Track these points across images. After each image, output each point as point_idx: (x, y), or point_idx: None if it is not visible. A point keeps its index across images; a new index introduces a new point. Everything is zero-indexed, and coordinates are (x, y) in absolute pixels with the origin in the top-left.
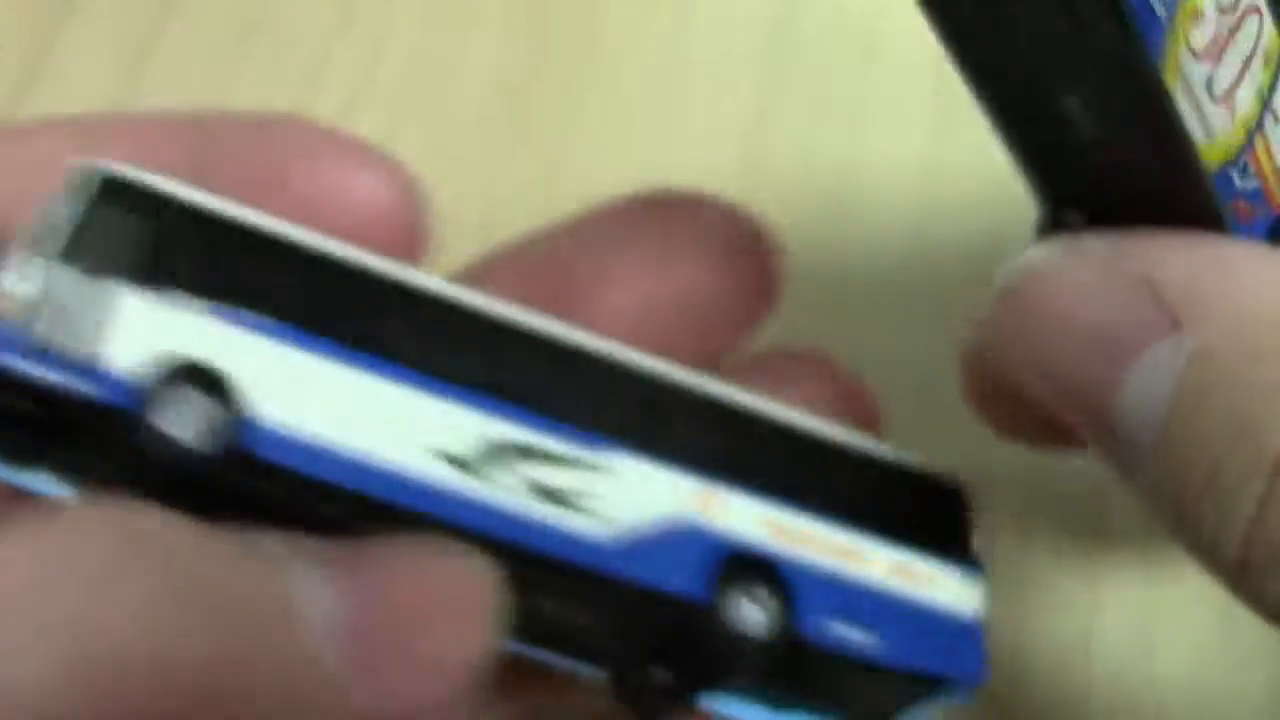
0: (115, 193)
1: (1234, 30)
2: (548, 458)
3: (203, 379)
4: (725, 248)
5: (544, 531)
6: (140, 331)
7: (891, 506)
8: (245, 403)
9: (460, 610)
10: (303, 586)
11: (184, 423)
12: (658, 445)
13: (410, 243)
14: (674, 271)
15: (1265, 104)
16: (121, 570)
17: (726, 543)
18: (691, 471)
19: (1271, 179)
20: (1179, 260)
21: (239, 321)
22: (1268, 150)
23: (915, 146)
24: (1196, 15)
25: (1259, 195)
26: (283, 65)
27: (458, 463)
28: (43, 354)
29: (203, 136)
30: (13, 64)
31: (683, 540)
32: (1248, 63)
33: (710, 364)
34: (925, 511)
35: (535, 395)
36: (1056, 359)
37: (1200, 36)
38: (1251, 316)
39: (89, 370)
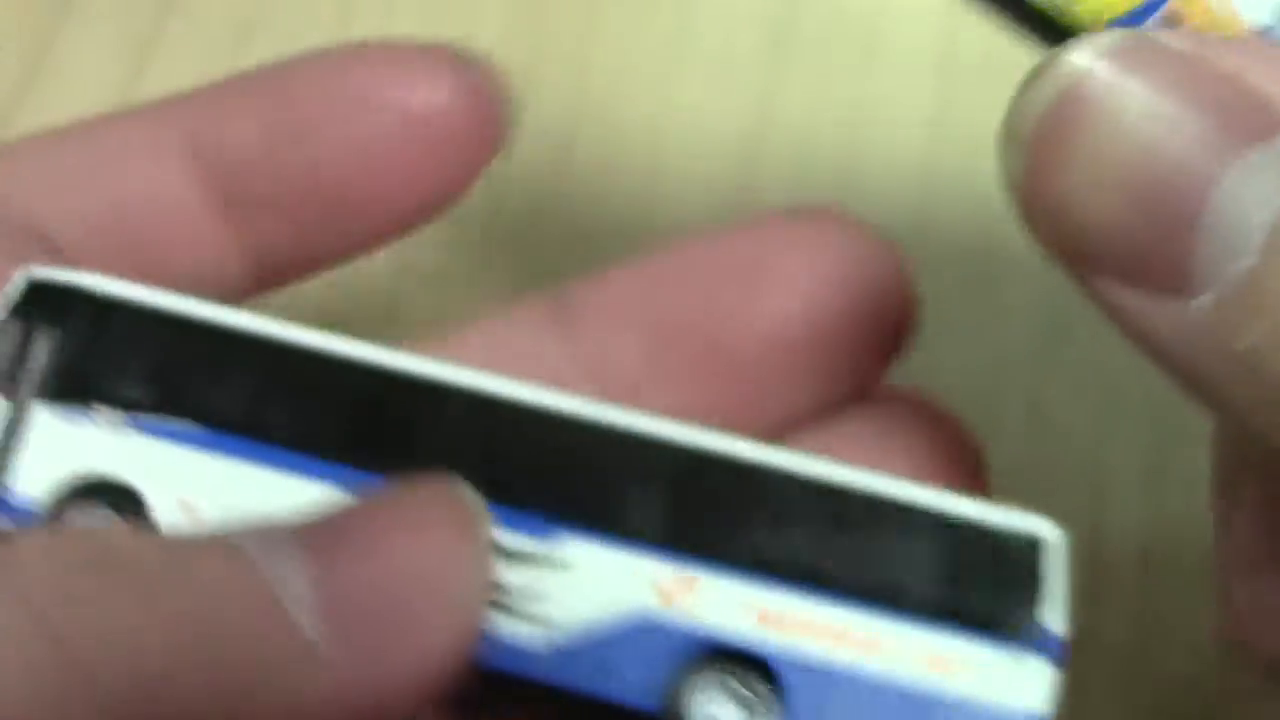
0: (41, 299)
1: None
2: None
3: (111, 495)
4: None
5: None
6: (48, 449)
7: (936, 572)
8: (157, 517)
9: (444, 591)
10: (279, 573)
11: None
12: (618, 521)
13: (480, 143)
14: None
15: None
16: (89, 588)
17: (696, 637)
18: (657, 552)
19: None
20: (1270, 66)
21: (154, 431)
22: None
23: (915, 146)
24: None
25: None
26: None
27: None
28: None
29: (270, 94)
30: (13, 64)
31: (637, 639)
32: None
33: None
34: (985, 575)
35: (472, 474)
36: (1137, 157)
37: None
38: None
39: None
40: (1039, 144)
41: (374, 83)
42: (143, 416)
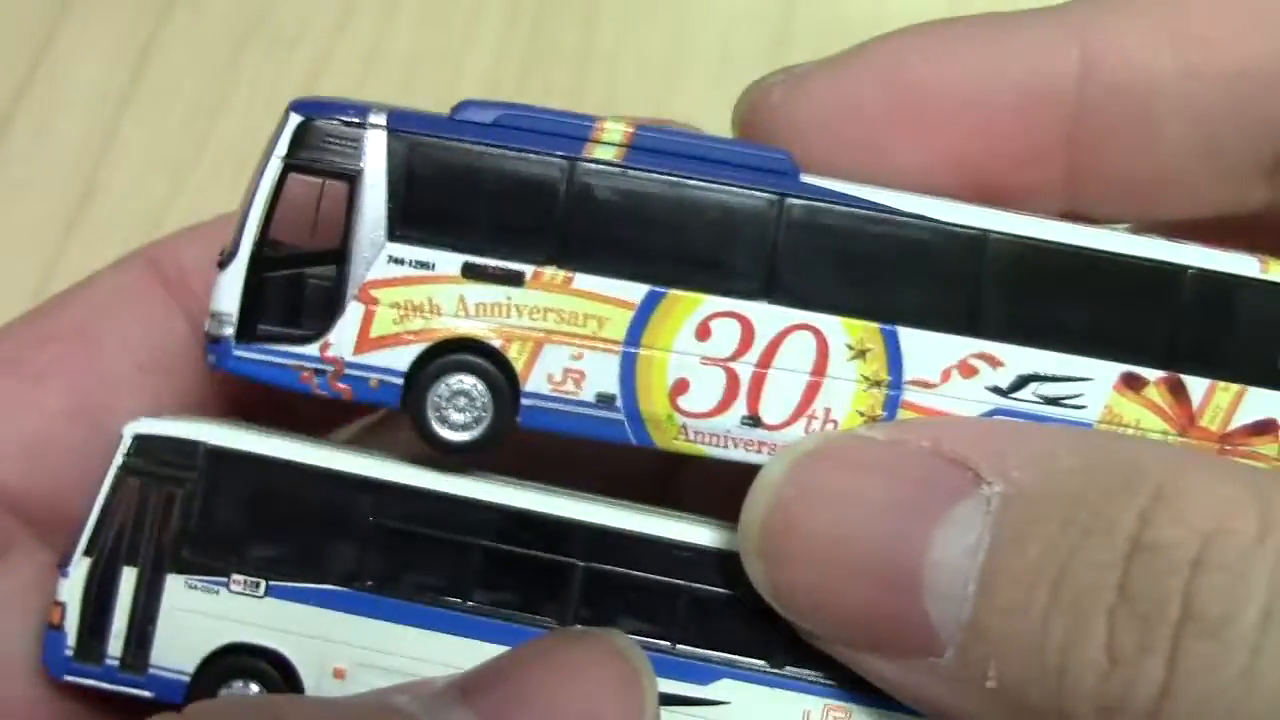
0: (151, 455)
1: (762, 366)
2: None
3: (256, 661)
4: None
5: None
6: (185, 620)
7: None
8: (301, 684)
9: None
10: None
11: None
12: (771, 657)
13: None
14: None
15: (886, 389)
16: None
17: None
18: (806, 689)
19: None
20: (961, 431)
21: (291, 595)
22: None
23: None
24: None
25: None
26: (283, 65)
27: None
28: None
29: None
30: (13, 64)
31: None
32: (816, 375)
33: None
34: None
35: (619, 623)
36: (859, 537)
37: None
38: (1052, 454)
39: (132, 674)
40: (768, 553)
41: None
42: (279, 584)
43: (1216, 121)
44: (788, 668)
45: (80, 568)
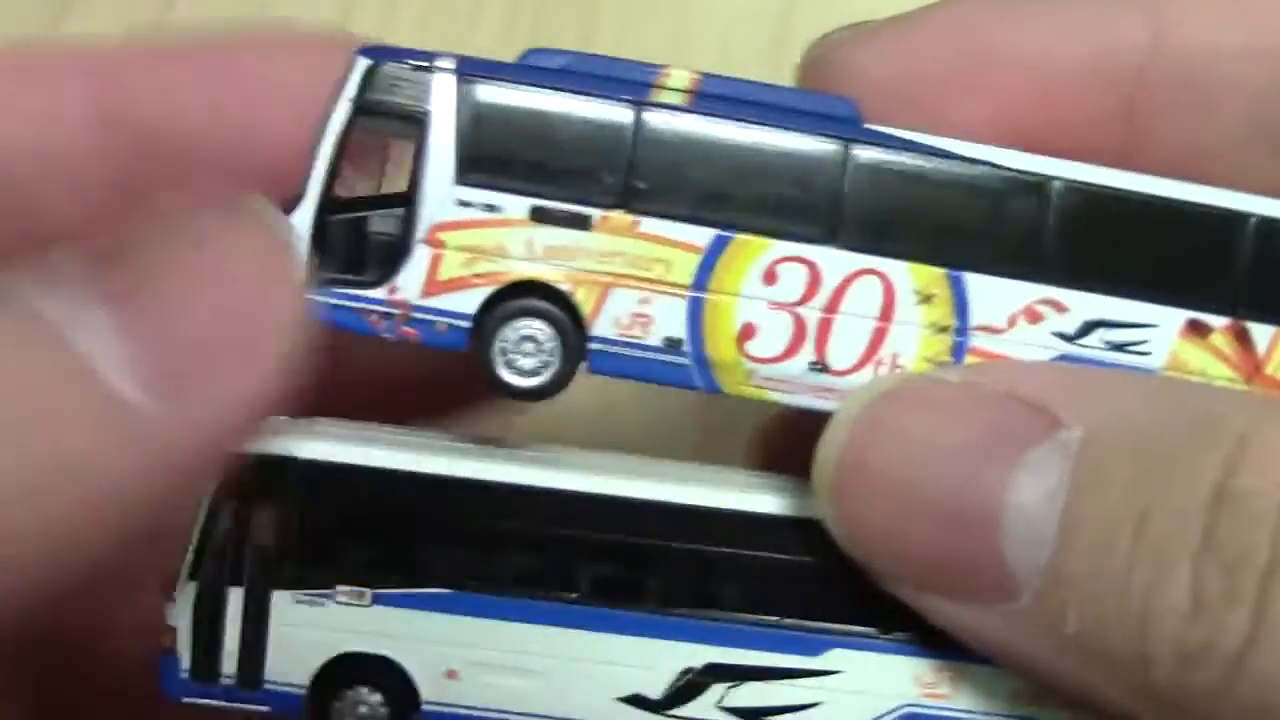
0: (239, 477)
1: (829, 311)
2: (752, 677)
3: (369, 670)
4: None
5: None
6: (295, 635)
7: None
8: (416, 689)
9: (258, 324)
10: (90, 344)
11: None
12: (879, 625)
13: None
14: None
15: (952, 333)
16: None
17: None
18: (914, 651)
19: None
20: (1036, 375)
21: (399, 602)
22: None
23: None
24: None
25: None
26: None
27: (647, 706)
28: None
29: (195, 65)
30: None
31: None
32: (883, 320)
33: None
34: None
35: (730, 602)
36: (933, 478)
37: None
38: (1128, 400)
39: (249, 691)
40: (841, 491)
41: (303, 67)
42: (384, 591)
43: (1275, 100)
44: (897, 633)
45: (187, 592)
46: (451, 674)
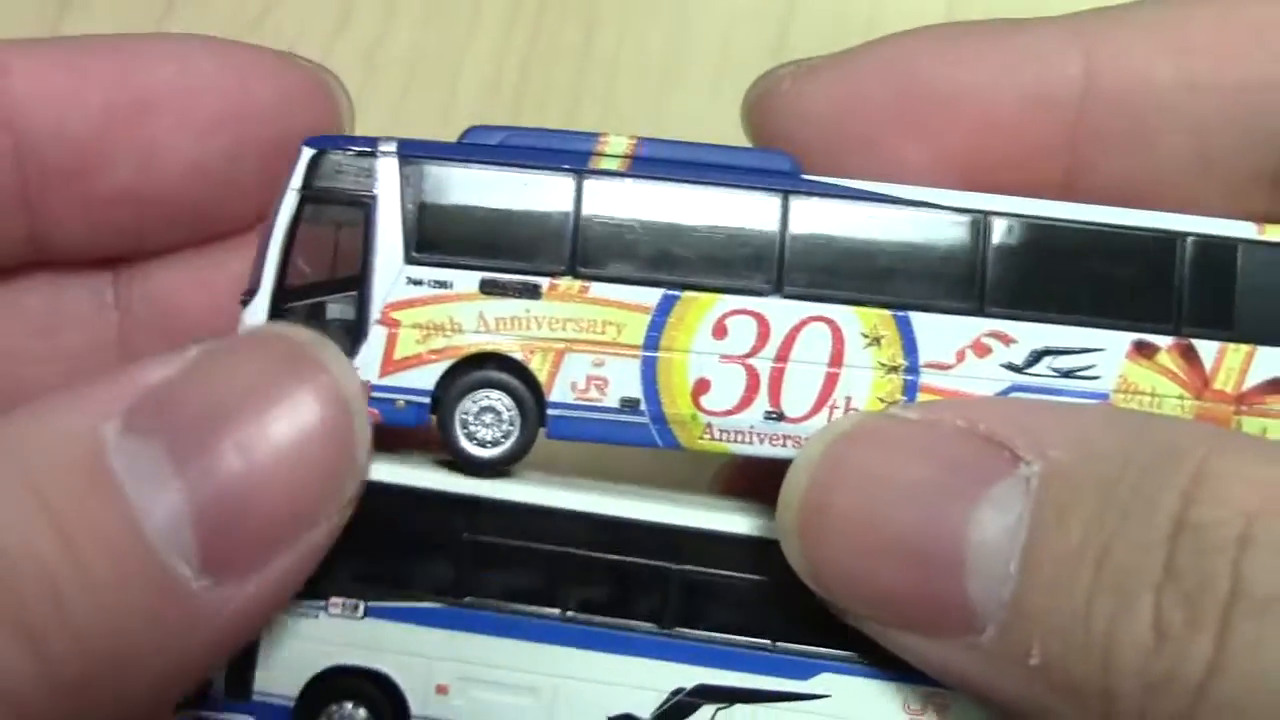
0: None
1: (780, 360)
2: (742, 699)
3: (357, 688)
4: None
5: None
6: (286, 647)
7: None
8: (406, 702)
9: (319, 504)
10: (153, 497)
11: None
12: (867, 651)
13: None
14: None
15: (903, 373)
16: None
17: None
18: (904, 679)
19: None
20: (994, 410)
21: (390, 615)
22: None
23: None
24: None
25: None
26: None
27: None
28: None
29: (112, 66)
30: None
31: None
32: (834, 365)
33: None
34: None
35: (721, 624)
36: (895, 517)
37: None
38: (1087, 433)
39: (238, 703)
40: (804, 532)
41: (215, 72)
42: (377, 604)
43: (1213, 133)
44: (885, 659)
45: None
46: (442, 689)
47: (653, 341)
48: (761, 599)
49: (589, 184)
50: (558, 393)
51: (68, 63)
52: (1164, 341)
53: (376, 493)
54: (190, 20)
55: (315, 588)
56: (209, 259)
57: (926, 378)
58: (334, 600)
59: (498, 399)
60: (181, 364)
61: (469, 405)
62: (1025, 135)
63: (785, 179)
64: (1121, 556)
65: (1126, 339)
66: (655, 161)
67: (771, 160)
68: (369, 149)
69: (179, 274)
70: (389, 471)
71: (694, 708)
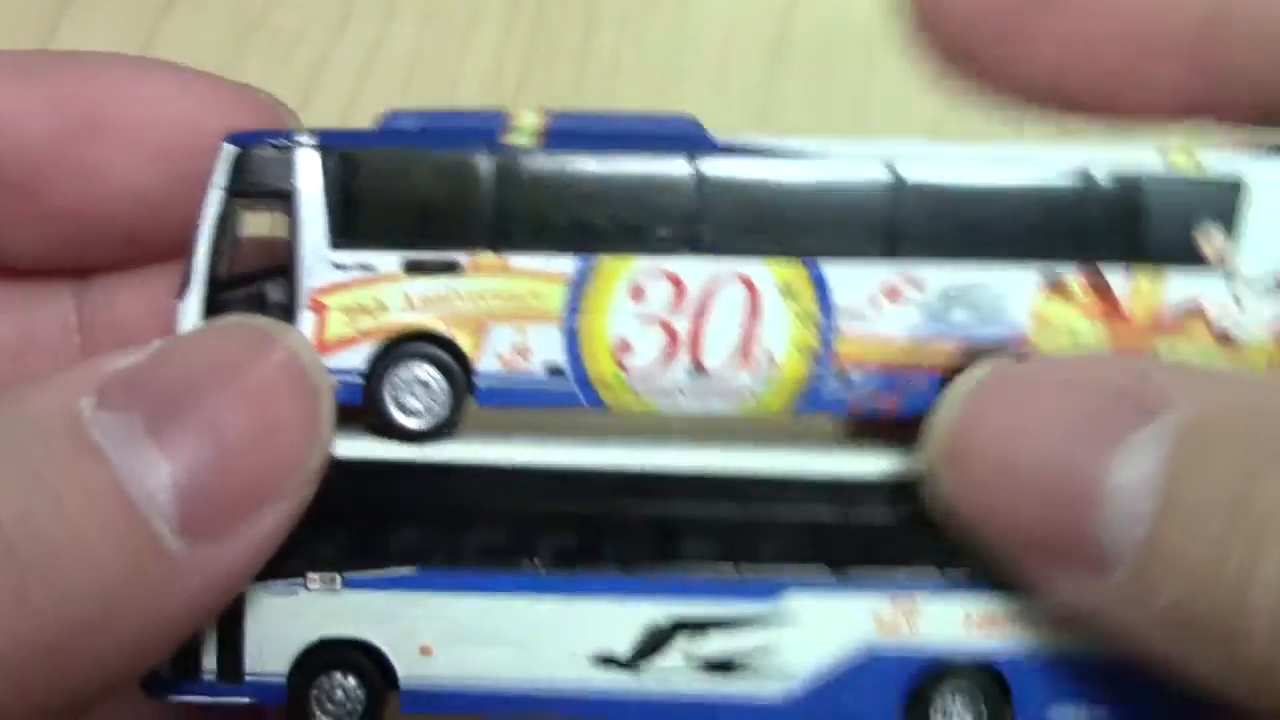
0: None
1: (697, 317)
2: (713, 626)
3: (344, 658)
4: None
5: (716, 710)
6: (271, 625)
7: None
8: (393, 666)
9: (287, 470)
10: (144, 487)
11: (329, 712)
12: (833, 566)
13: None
14: None
15: (818, 322)
16: None
17: (917, 658)
18: (871, 588)
19: (894, 357)
20: (1143, 364)
21: (369, 584)
22: (866, 343)
23: None
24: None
25: (891, 380)
26: (283, 65)
27: (617, 664)
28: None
29: (67, 84)
30: None
31: (865, 672)
32: (751, 318)
33: None
34: None
35: (688, 559)
36: (1036, 457)
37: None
38: (1230, 391)
39: (231, 684)
40: (950, 461)
41: (169, 99)
42: (354, 575)
43: None
44: (852, 571)
45: None
46: (425, 650)
47: (573, 307)
48: (719, 529)
49: (502, 160)
50: (484, 363)
51: (21, 78)
52: (1074, 275)
53: (343, 467)
54: (190, 20)
55: (292, 565)
56: (169, 284)
57: (843, 324)
58: (312, 576)
59: (426, 372)
60: (147, 352)
61: (398, 381)
62: (1158, 26)
63: (692, 142)
64: (1259, 505)
65: (1038, 275)
66: (566, 134)
67: (678, 125)
68: (289, 142)
69: (140, 298)
70: (351, 446)
71: (669, 640)
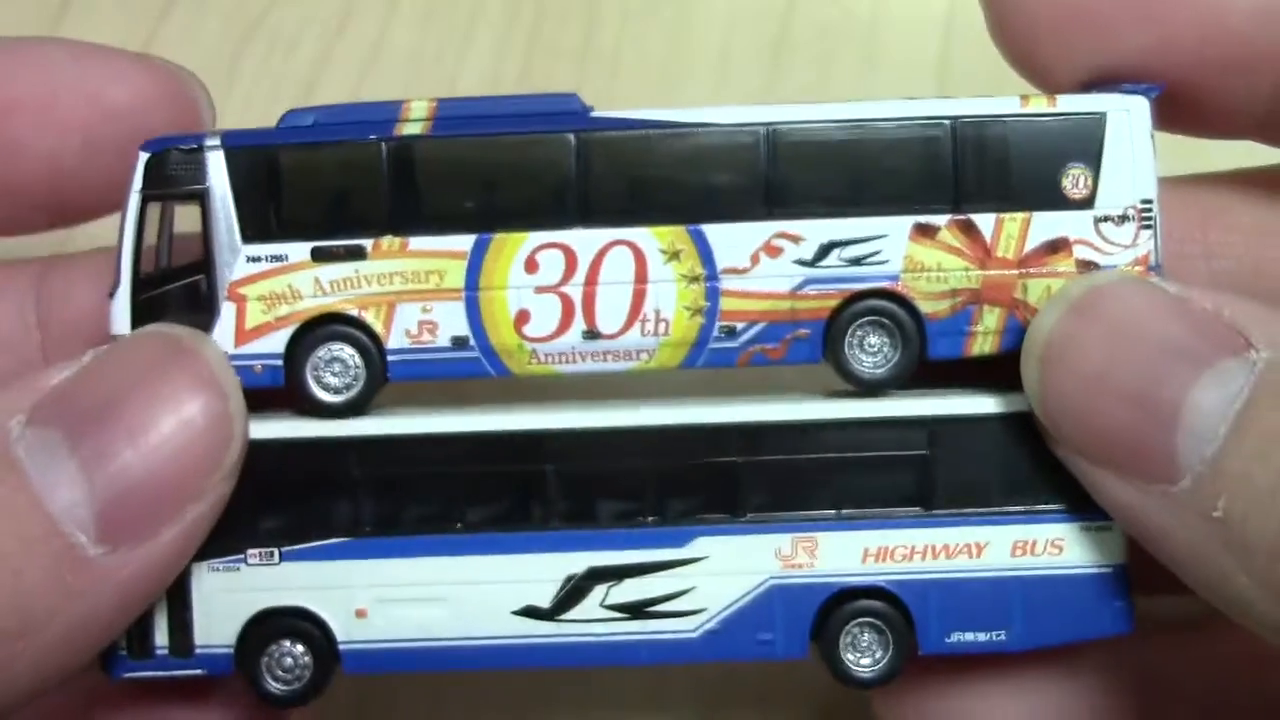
0: None
1: (589, 284)
2: (628, 573)
3: (288, 626)
4: None
5: (636, 648)
6: (216, 601)
7: (1007, 469)
8: (333, 632)
9: (200, 473)
10: (62, 500)
11: (280, 679)
12: (734, 511)
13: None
14: None
15: (703, 281)
16: None
17: (821, 589)
18: (775, 526)
19: (778, 308)
20: (1241, 304)
21: (305, 555)
22: (749, 298)
23: None
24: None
25: (776, 330)
26: (283, 65)
27: (540, 614)
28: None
29: None
30: None
31: (773, 603)
32: (639, 282)
33: None
34: (1045, 458)
35: (599, 511)
36: (1131, 369)
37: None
38: None
39: (182, 659)
40: (1046, 362)
41: (74, 75)
42: (290, 548)
43: None
44: (750, 514)
45: None
46: (360, 613)
47: (473, 282)
48: (630, 484)
49: (395, 148)
50: (394, 340)
51: None
52: (943, 220)
53: (269, 448)
54: (190, 20)
55: (232, 544)
56: None
57: (726, 282)
58: (251, 552)
59: (341, 350)
60: (78, 366)
61: (317, 360)
62: (1253, 44)
63: (574, 119)
64: None
65: (908, 222)
66: (454, 119)
67: (561, 103)
68: (197, 145)
69: (98, 294)
70: (276, 428)
71: (587, 590)
